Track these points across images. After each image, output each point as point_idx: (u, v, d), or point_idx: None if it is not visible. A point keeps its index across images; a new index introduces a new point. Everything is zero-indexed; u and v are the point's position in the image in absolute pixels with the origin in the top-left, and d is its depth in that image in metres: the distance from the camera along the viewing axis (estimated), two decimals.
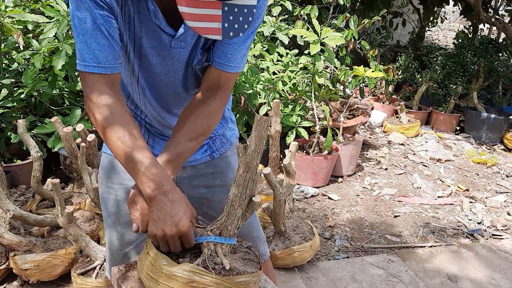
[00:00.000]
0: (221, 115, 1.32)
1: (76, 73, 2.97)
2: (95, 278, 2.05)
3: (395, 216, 3.35)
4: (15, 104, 2.84)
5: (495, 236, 3.16)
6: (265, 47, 3.72)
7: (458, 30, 7.39)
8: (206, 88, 1.29)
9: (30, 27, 2.86)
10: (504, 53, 5.78)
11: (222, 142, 1.51)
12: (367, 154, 4.48)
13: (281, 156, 2.93)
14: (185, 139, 1.22)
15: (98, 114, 1.12)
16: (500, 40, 6.34)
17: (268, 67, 3.53)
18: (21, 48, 2.57)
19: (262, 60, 3.55)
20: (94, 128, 3.38)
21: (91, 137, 2.39)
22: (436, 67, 5.54)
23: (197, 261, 1.13)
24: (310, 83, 3.59)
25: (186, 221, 1.09)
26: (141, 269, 1.17)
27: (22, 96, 2.87)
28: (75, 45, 1.13)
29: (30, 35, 3.02)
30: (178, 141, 1.22)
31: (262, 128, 1.10)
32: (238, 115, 3.57)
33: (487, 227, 3.27)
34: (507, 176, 4.23)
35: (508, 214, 3.47)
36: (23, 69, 2.82)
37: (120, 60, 1.17)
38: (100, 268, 2.09)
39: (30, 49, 2.83)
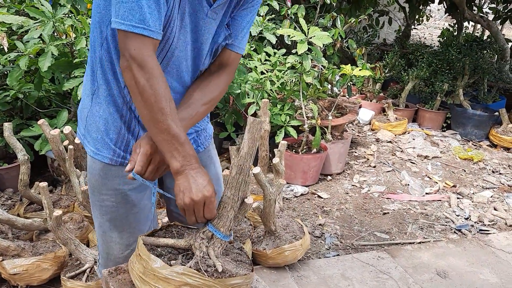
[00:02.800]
0: (226, 89, 1.44)
1: (63, 75, 2.94)
2: (85, 281, 2.04)
3: (384, 213, 3.38)
4: (0, 107, 2.80)
5: (482, 231, 3.20)
6: (252, 47, 3.72)
7: (443, 28, 7.47)
8: (216, 65, 1.41)
9: (14, 28, 2.82)
10: (488, 51, 5.86)
11: (205, 136, 1.56)
12: (355, 152, 4.51)
13: (271, 155, 2.94)
14: (199, 102, 1.32)
15: (141, 78, 1.12)
16: (485, 38, 6.42)
17: (256, 66, 3.53)
18: (6, 50, 2.54)
19: (250, 60, 3.56)
20: None
21: (78, 139, 2.37)
22: (422, 65, 5.59)
23: (189, 264, 1.13)
24: (298, 82, 3.60)
25: (210, 187, 1.17)
26: (132, 271, 1.17)
27: (8, 98, 2.83)
28: (120, 3, 1.10)
29: (15, 36, 2.98)
30: (192, 100, 1.31)
31: (255, 130, 1.10)
32: (226, 115, 3.57)
33: (475, 222, 3.32)
34: (493, 171, 4.29)
35: (495, 209, 3.52)
36: (8, 71, 2.79)
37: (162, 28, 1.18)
38: (90, 271, 2.07)
39: (15, 51, 2.79)
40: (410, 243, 3.00)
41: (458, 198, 3.70)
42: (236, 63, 1.45)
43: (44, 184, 1.97)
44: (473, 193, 3.78)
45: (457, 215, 3.41)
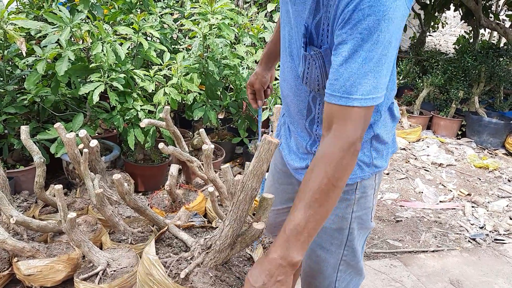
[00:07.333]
0: (341, 159, 0.99)
1: (79, 79, 2.98)
2: (98, 284, 2.05)
3: (397, 221, 3.35)
4: (17, 110, 2.85)
5: (498, 241, 3.15)
6: None
7: (459, 35, 7.41)
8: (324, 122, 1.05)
9: (32, 33, 2.88)
10: (505, 58, 5.80)
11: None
12: None
13: None
14: (300, 206, 1.01)
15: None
16: (501, 45, 6.35)
17: None
18: (24, 54, 2.58)
19: None
20: (96, 134, 3.40)
21: (93, 143, 2.40)
22: (437, 72, 5.55)
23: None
24: None
25: None
26: None
27: (25, 102, 2.88)
28: None
29: (33, 41, 3.04)
30: (293, 207, 1.03)
31: (263, 149, 1.05)
32: (239, 120, 3.58)
33: (489, 231, 3.27)
34: (509, 180, 4.22)
35: (510, 218, 3.47)
36: (26, 75, 2.84)
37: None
38: (102, 274, 2.09)
39: (33, 55, 2.84)
40: (423, 251, 2.96)
41: (472, 206, 3.65)
42: (340, 119, 0.99)
43: (59, 186, 2.00)
44: (488, 202, 3.73)
45: (472, 224, 3.36)
